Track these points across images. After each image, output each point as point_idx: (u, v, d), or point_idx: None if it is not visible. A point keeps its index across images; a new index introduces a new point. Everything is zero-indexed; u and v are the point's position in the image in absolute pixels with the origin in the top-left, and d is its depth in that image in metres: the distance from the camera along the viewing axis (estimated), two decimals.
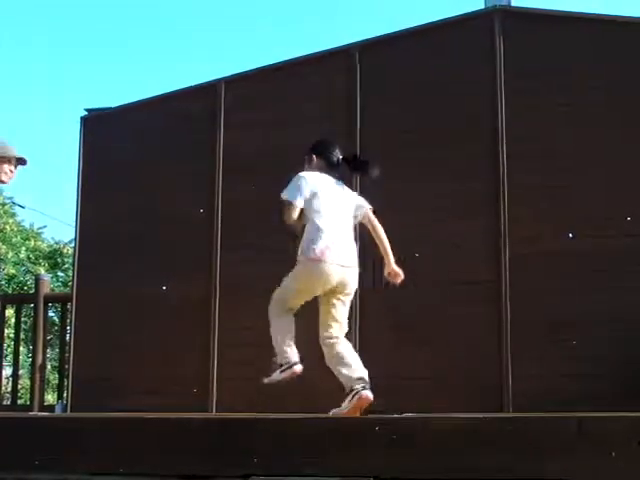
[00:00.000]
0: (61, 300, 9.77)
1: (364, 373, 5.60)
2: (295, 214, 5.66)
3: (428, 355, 6.83)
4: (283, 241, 6.03)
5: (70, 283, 9.27)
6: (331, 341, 5.70)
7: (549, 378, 6.51)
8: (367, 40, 7.56)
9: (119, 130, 8.33)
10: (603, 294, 6.56)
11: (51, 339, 12.17)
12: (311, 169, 5.90)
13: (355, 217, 5.90)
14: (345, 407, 5.45)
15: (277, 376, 5.63)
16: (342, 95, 7.47)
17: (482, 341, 6.78)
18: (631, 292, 6.55)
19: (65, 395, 8.27)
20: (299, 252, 5.66)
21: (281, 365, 5.64)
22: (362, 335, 6.94)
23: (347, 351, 5.72)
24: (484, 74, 7.11)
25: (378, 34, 7.56)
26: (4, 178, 6.49)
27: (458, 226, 6.95)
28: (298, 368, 5.62)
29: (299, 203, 5.67)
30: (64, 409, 8.11)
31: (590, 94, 6.83)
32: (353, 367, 5.61)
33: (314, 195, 5.72)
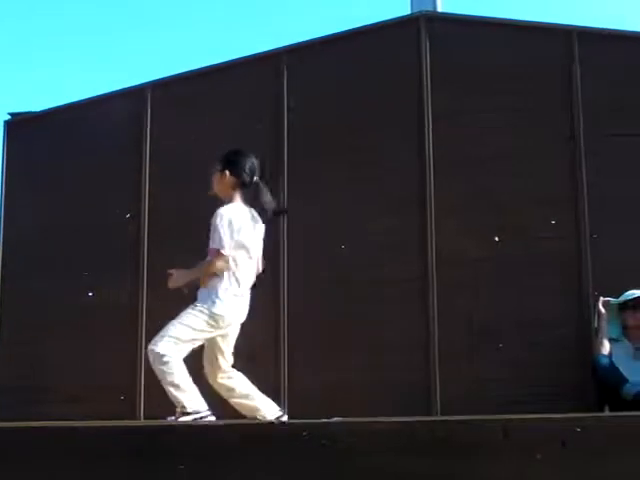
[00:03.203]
0: None
1: (267, 401, 5.54)
2: (226, 265, 5.44)
3: (356, 359, 6.84)
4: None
5: None
6: (227, 374, 5.58)
7: (476, 382, 6.57)
8: (295, 44, 7.55)
9: (44, 134, 8.20)
10: (527, 297, 6.64)
11: None
12: (223, 188, 5.65)
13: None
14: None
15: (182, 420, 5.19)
16: (270, 99, 7.45)
17: (409, 346, 6.80)
18: (555, 295, 6.65)
19: None
20: (204, 298, 5.46)
21: (187, 413, 5.22)
22: (290, 339, 6.95)
23: (246, 386, 5.59)
24: (410, 78, 7.15)
25: (306, 38, 7.57)
26: None
27: (385, 228, 6.97)
28: (211, 419, 5.25)
29: (229, 252, 5.42)
30: None
31: (513, 98, 6.92)
32: (255, 399, 5.51)
33: (239, 243, 5.49)
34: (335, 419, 3.67)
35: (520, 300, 6.66)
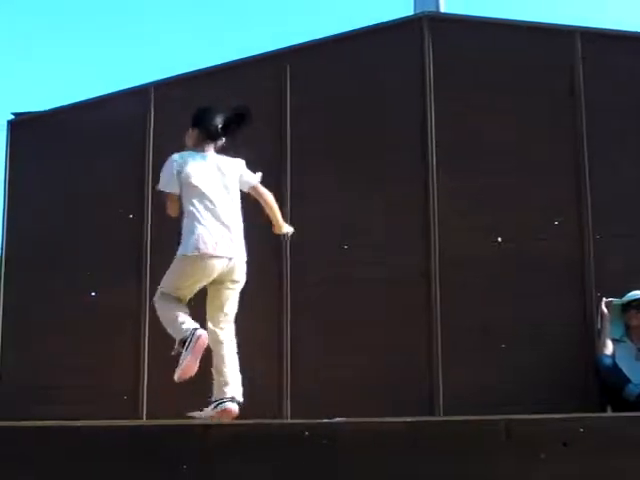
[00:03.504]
0: None
1: (236, 383, 5.56)
2: (177, 205, 5.67)
3: (359, 358, 6.83)
4: None
5: None
6: (219, 338, 5.66)
7: (478, 382, 6.56)
8: (296, 45, 7.55)
9: (48, 135, 8.19)
10: (530, 298, 6.63)
11: None
12: (192, 142, 5.88)
13: (240, 191, 5.87)
14: (207, 414, 5.39)
15: (186, 356, 5.37)
16: (272, 100, 7.45)
17: (413, 345, 6.80)
18: (558, 296, 6.64)
19: None
20: (178, 248, 5.63)
21: (183, 343, 5.42)
22: (293, 338, 6.95)
23: (228, 355, 5.65)
24: (413, 79, 7.15)
25: (309, 39, 7.57)
26: None
27: (388, 227, 6.97)
28: (201, 332, 5.42)
29: (172, 188, 5.65)
30: None
31: (517, 98, 6.92)
32: (227, 375, 5.56)
33: (187, 182, 5.65)
34: (336, 419, 3.67)
35: (523, 301, 6.65)
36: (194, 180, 5.67)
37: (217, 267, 5.63)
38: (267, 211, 5.95)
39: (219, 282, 5.73)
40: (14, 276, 7.97)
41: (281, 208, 6.73)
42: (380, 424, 3.40)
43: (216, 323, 5.73)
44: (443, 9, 8.05)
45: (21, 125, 8.28)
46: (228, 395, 5.51)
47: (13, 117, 8.36)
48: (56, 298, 7.69)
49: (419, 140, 7.04)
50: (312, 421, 3.46)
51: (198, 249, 5.55)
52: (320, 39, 7.50)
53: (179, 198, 5.71)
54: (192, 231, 5.59)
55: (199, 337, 5.38)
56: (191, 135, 5.93)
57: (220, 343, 5.68)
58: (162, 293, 5.70)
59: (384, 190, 7.05)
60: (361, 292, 6.93)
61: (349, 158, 7.18)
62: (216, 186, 5.75)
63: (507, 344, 6.62)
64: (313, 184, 7.20)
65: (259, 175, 6.03)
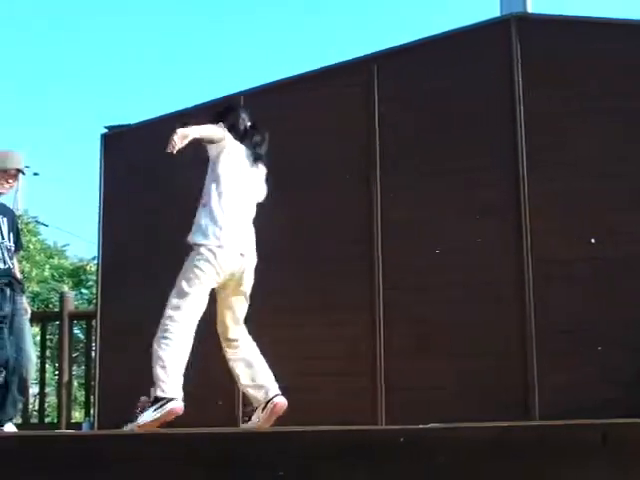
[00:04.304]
0: (85, 317, 9.84)
1: (270, 379, 5.46)
2: (220, 135, 5.54)
3: (450, 363, 6.80)
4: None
5: (94, 300, 9.32)
6: (235, 343, 5.59)
7: (575, 385, 6.47)
8: (383, 51, 7.57)
9: (139, 147, 8.35)
10: (626, 299, 6.52)
11: (77, 356, 12.22)
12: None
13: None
14: (259, 418, 5.39)
15: (148, 416, 5.20)
16: (360, 106, 7.47)
17: (506, 348, 6.75)
18: None
19: (92, 412, 8.29)
20: (193, 238, 5.51)
21: (157, 400, 5.22)
22: (386, 343, 6.95)
23: (252, 357, 5.56)
24: (502, 80, 7.10)
25: (394, 44, 7.57)
26: (1, 189, 6.46)
27: (479, 231, 6.93)
28: (177, 406, 5.22)
29: (223, 136, 5.56)
30: (91, 426, 8.13)
31: (608, 99, 6.80)
32: (259, 377, 5.49)
33: (225, 171, 5.58)
34: (431, 425, 3.66)
35: (617, 302, 6.54)
36: (232, 172, 5.62)
37: (231, 262, 5.50)
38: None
39: (228, 286, 5.60)
40: (111, 287, 8.13)
41: (371, 211, 6.77)
42: (475, 429, 3.38)
43: (232, 334, 5.68)
44: (530, 10, 7.98)
45: (114, 138, 8.45)
46: (272, 394, 5.48)
47: (106, 130, 8.54)
48: (151, 307, 7.80)
49: (510, 142, 6.97)
50: (408, 427, 3.46)
51: (220, 238, 5.46)
52: (407, 44, 7.50)
53: (204, 186, 5.64)
54: (213, 221, 5.50)
55: (171, 410, 5.20)
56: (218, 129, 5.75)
57: (239, 350, 5.64)
58: (172, 320, 5.53)
59: (476, 191, 7.00)
60: (453, 295, 6.90)
61: (438, 161, 7.16)
62: (246, 183, 5.71)
63: (603, 346, 6.52)
64: (402, 188, 7.20)
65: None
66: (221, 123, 5.77)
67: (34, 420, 10.17)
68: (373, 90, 7.42)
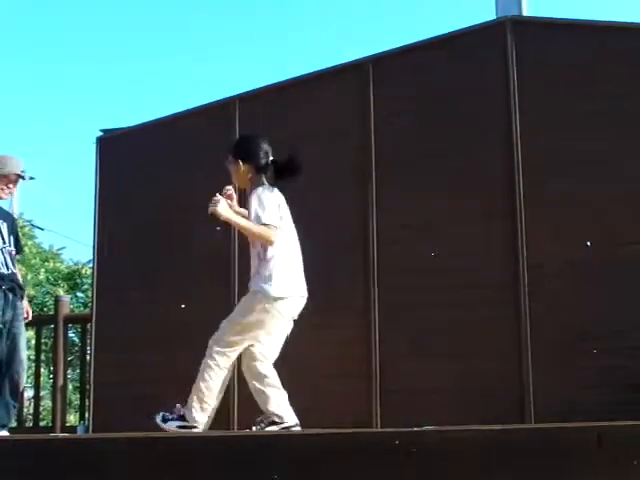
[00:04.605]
0: (81, 321, 9.83)
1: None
2: (275, 236, 5.45)
3: (445, 366, 6.80)
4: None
5: (89, 304, 9.31)
6: (264, 374, 5.54)
7: (570, 388, 6.47)
8: (379, 53, 7.56)
9: (135, 150, 8.36)
10: (622, 302, 6.51)
11: (72, 360, 12.20)
12: (241, 175, 5.70)
13: None
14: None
15: (172, 426, 5.42)
16: (356, 109, 7.47)
17: (501, 351, 6.74)
18: None
19: (87, 416, 8.28)
20: (257, 285, 5.50)
21: (183, 418, 5.43)
22: (381, 345, 6.95)
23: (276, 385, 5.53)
24: (498, 83, 7.09)
25: (389, 47, 7.59)
26: (1, 194, 6.48)
27: (475, 234, 6.92)
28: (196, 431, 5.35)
29: (277, 223, 5.47)
30: (86, 430, 8.12)
31: (604, 101, 6.79)
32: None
33: (281, 219, 5.56)
34: (426, 427, 3.65)
35: (613, 305, 6.53)
36: (284, 223, 5.59)
37: (296, 308, 5.59)
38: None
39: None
40: (106, 290, 8.13)
41: (366, 213, 6.80)
42: (470, 432, 3.38)
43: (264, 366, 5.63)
44: (525, 13, 7.98)
45: (109, 141, 8.44)
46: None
47: (102, 134, 8.54)
48: (146, 311, 7.82)
49: (505, 144, 6.97)
50: (402, 430, 3.46)
51: (287, 289, 5.49)
52: (402, 46, 7.50)
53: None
54: (280, 270, 5.50)
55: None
56: (239, 171, 5.74)
57: (267, 379, 5.57)
58: (224, 352, 5.56)
59: (471, 194, 6.99)
60: (448, 297, 6.89)
61: (433, 164, 7.15)
62: (292, 223, 5.71)
63: (598, 349, 6.50)
64: (398, 190, 7.20)
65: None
66: (239, 161, 5.71)
67: (29, 424, 10.14)
68: (369, 92, 7.42)
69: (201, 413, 5.47)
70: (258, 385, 5.48)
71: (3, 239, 6.49)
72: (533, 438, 3.33)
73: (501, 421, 4.20)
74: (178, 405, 5.57)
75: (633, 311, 6.47)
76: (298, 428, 5.34)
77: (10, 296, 6.41)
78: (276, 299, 5.46)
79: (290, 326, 5.64)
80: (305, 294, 5.65)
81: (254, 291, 5.52)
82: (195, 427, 5.43)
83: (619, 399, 6.25)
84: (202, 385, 5.52)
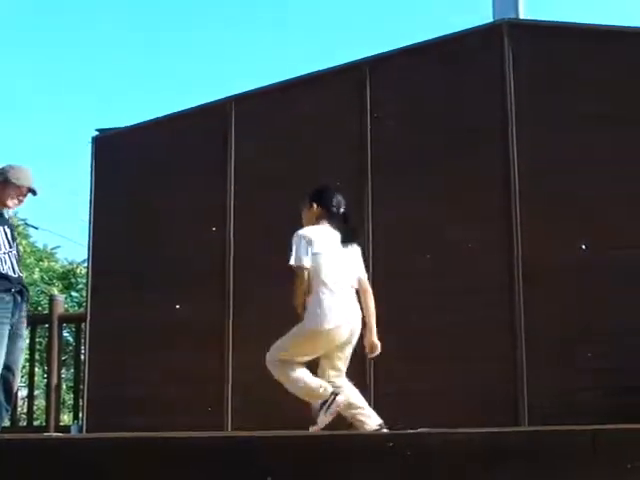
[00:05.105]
0: (75, 320, 9.82)
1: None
2: (306, 276, 5.58)
3: (440, 367, 6.79)
4: None
5: (84, 303, 9.29)
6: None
7: (564, 391, 6.47)
8: (376, 55, 7.57)
9: (130, 150, 8.35)
10: (618, 305, 6.51)
11: (66, 359, 12.18)
12: (310, 217, 5.83)
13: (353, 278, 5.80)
14: (323, 419, 5.42)
15: (323, 419, 5.45)
16: (352, 110, 7.47)
17: (496, 353, 6.74)
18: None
19: (80, 415, 8.27)
20: (306, 319, 5.60)
21: (322, 406, 5.49)
22: None
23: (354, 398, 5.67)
24: (494, 85, 7.10)
25: (386, 49, 7.58)
26: (9, 203, 6.54)
27: (468, 235, 6.91)
28: (340, 399, 5.48)
29: (307, 264, 5.57)
30: (80, 429, 8.11)
31: (599, 103, 6.80)
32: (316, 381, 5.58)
33: (316, 254, 5.63)
34: (420, 429, 3.65)
35: (609, 307, 6.53)
36: (323, 251, 5.65)
37: (343, 335, 5.63)
38: (364, 313, 5.82)
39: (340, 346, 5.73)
40: (100, 290, 8.12)
41: (361, 215, 6.80)
42: (464, 434, 3.37)
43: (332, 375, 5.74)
44: (522, 16, 7.98)
45: (104, 141, 8.44)
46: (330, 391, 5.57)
47: (97, 134, 8.53)
48: (141, 311, 7.81)
49: (501, 145, 6.97)
50: (397, 432, 3.46)
51: (331, 321, 5.56)
52: (401, 48, 7.51)
53: (308, 274, 5.67)
54: (322, 304, 5.58)
55: (338, 402, 5.45)
56: (310, 212, 5.84)
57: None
58: (281, 361, 5.63)
59: (466, 196, 6.99)
60: (442, 299, 6.89)
61: (429, 165, 7.16)
62: (342, 259, 5.75)
63: (593, 352, 6.51)
64: (393, 191, 7.20)
65: None
66: (314, 203, 5.81)
67: (23, 423, 10.12)
68: (365, 94, 7.42)
69: (318, 388, 5.56)
70: None
71: (9, 243, 6.54)
72: (528, 440, 3.33)
73: (496, 423, 4.21)
74: (312, 407, 5.62)
75: (629, 314, 6.48)
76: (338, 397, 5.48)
77: (19, 299, 6.46)
78: (316, 331, 5.59)
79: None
80: (353, 320, 5.70)
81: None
82: (333, 395, 5.49)
83: (614, 401, 6.25)
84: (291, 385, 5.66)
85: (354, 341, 5.72)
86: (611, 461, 3.13)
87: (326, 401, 5.46)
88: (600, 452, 3.14)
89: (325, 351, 5.65)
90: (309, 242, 5.63)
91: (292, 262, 5.59)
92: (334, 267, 5.68)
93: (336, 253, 5.72)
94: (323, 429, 5.36)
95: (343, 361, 5.73)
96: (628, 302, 6.49)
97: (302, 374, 5.59)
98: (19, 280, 6.50)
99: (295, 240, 5.65)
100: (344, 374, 5.75)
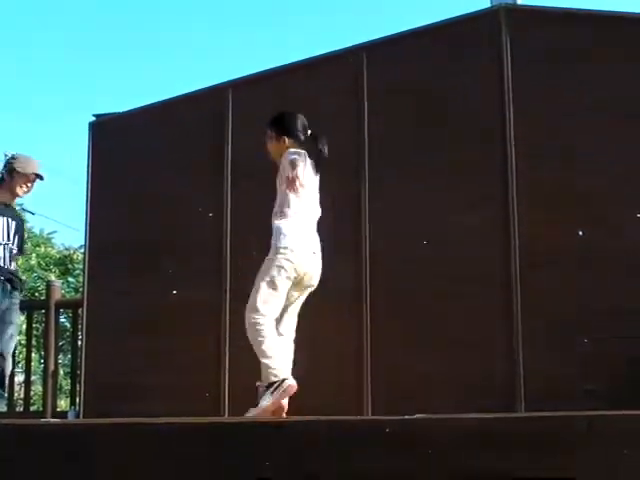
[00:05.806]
0: (72, 306, 9.82)
1: (288, 367, 5.68)
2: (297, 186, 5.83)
3: (436, 354, 6.79)
4: None
5: (81, 289, 9.29)
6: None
7: (561, 376, 6.47)
8: (373, 41, 7.54)
9: (128, 135, 8.32)
10: (614, 291, 6.51)
11: (63, 345, 12.18)
12: (280, 150, 6.01)
13: None
14: (267, 402, 5.49)
15: (267, 400, 5.50)
16: (349, 97, 7.45)
17: (492, 340, 6.74)
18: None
19: (78, 401, 8.28)
20: (276, 242, 5.79)
21: (270, 385, 5.54)
22: (372, 333, 6.95)
23: (277, 340, 5.75)
24: (491, 73, 7.07)
25: (383, 34, 7.56)
26: (19, 192, 6.60)
27: (466, 222, 6.90)
28: (291, 384, 5.54)
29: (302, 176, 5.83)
30: (77, 415, 8.11)
31: (598, 91, 6.78)
32: (279, 361, 5.64)
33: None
34: (417, 415, 3.66)
35: (607, 294, 6.53)
36: (306, 182, 5.90)
37: (305, 262, 5.82)
38: None
39: (297, 285, 5.85)
40: (97, 275, 8.12)
41: (358, 202, 6.83)
42: (460, 420, 3.38)
43: (286, 327, 5.89)
44: (520, 1, 7.95)
45: (102, 126, 8.42)
46: (281, 376, 5.58)
47: (94, 119, 8.51)
48: (137, 296, 7.81)
49: (498, 135, 6.95)
50: (393, 417, 3.46)
51: (295, 241, 5.77)
52: (396, 34, 7.47)
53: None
54: (291, 229, 5.80)
55: (288, 388, 5.52)
56: (281, 146, 6.02)
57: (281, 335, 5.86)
58: (261, 315, 5.70)
59: (463, 184, 6.98)
60: (439, 286, 6.88)
61: (426, 153, 7.14)
62: (314, 189, 6.03)
63: (589, 338, 6.51)
64: (390, 179, 7.19)
65: None
66: (284, 137, 6.06)
67: (19, 409, 10.14)
68: (362, 81, 7.40)
69: (278, 367, 5.66)
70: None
71: (8, 236, 6.58)
72: (524, 427, 3.33)
73: (492, 409, 4.21)
74: (257, 383, 5.70)
75: (627, 300, 6.47)
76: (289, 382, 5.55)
77: (8, 286, 6.48)
78: (283, 249, 5.79)
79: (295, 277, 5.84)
80: (316, 250, 5.97)
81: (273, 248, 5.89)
82: (284, 379, 5.59)
83: (611, 388, 6.26)
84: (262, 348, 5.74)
85: (314, 283, 5.94)
86: (607, 448, 3.13)
87: (275, 383, 5.49)
88: (596, 439, 3.15)
89: (292, 279, 5.77)
90: (303, 164, 5.86)
91: (295, 174, 5.81)
92: (307, 197, 5.93)
93: (311, 184, 5.97)
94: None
95: (298, 306, 5.92)
96: (627, 288, 6.48)
97: (274, 349, 5.65)
98: (9, 270, 6.52)
99: (295, 156, 5.87)
100: (294, 324, 5.90)
